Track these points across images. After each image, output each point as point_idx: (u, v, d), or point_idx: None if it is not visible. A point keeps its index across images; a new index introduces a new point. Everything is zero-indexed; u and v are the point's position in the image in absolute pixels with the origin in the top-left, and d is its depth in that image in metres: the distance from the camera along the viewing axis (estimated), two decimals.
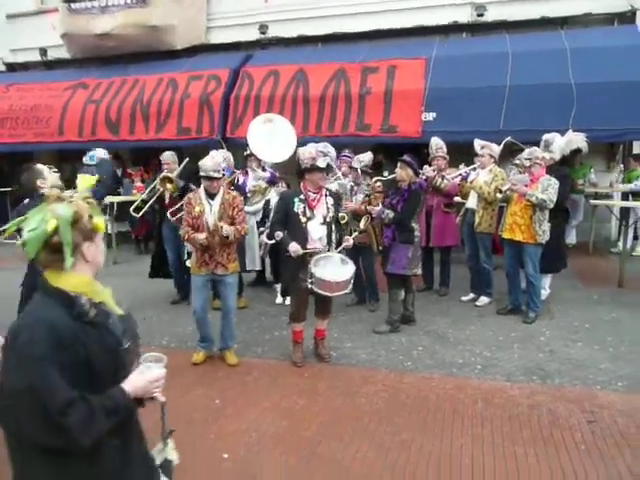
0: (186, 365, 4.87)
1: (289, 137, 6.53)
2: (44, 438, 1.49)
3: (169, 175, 6.21)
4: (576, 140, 6.28)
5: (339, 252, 4.72)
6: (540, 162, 5.57)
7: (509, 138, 6.64)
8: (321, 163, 4.64)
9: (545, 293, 6.30)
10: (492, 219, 6.10)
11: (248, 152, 6.79)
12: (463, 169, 6.43)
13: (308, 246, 4.63)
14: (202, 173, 4.65)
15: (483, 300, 6.36)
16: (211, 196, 4.70)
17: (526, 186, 5.48)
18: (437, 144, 6.58)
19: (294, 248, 4.55)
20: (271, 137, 6.43)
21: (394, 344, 5.24)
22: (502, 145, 6.50)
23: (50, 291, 1.61)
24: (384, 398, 4.10)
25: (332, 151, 5.15)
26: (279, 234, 4.66)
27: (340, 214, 4.88)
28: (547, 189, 5.41)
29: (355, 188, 6.18)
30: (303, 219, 4.63)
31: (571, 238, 9.01)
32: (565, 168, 6.59)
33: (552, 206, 5.42)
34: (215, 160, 4.71)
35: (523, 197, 5.50)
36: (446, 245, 6.73)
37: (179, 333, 5.59)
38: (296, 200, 4.67)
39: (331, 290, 4.58)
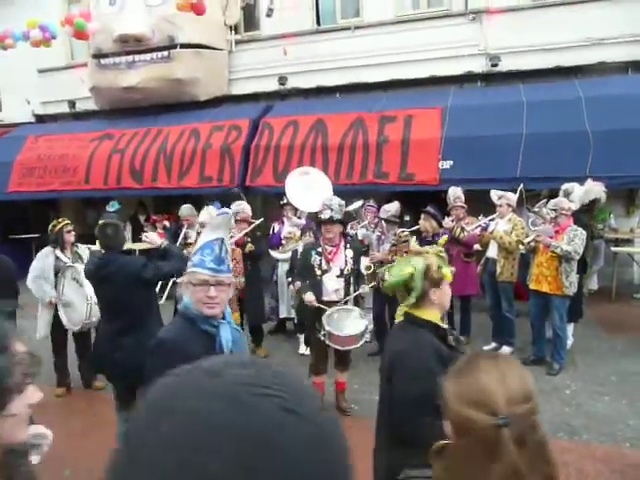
0: None
1: (325, 187, 6.73)
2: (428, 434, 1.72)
3: (190, 240, 6.32)
4: (595, 190, 6.30)
5: (354, 300, 4.75)
6: (567, 213, 5.57)
7: (522, 185, 6.71)
8: (324, 215, 4.73)
9: (569, 342, 6.22)
10: (514, 268, 6.10)
11: (285, 201, 6.97)
12: (482, 220, 6.46)
13: (323, 298, 4.69)
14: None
15: (505, 350, 6.28)
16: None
17: (551, 237, 5.48)
18: (455, 194, 6.64)
19: (309, 298, 4.63)
20: (307, 187, 6.65)
21: None
22: (517, 193, 6.56)
23: (419, 321, 2.27)
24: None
25: (335, 203, 5.11)
26: (297, 284, 4.75)
27: (366, 264, 4.95)
28: (573, 240, 5.39)
29: (382, 237, 6.25)
30: (318, 272, 4.71)
31: (593, 284, 8.92)
32: (583, 217, 6.60)
33: (578, 257, 5.40)
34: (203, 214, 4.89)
35: (548, 248, 5.49)
36: (466, 294, 6.72)
37: None
38: (313, 253, 4.76)
39: (342, 344, 4.58)
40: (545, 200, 6.69)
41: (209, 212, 5.83)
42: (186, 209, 6.86)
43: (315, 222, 5.56)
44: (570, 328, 6.31)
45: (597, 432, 4.33)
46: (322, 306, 4.61)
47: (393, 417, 2.22)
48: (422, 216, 5.54)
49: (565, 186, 6.21)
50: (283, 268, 6.95)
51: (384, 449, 2.31)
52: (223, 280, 2.24)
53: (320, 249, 4.76)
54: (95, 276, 3.72)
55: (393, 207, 6.30)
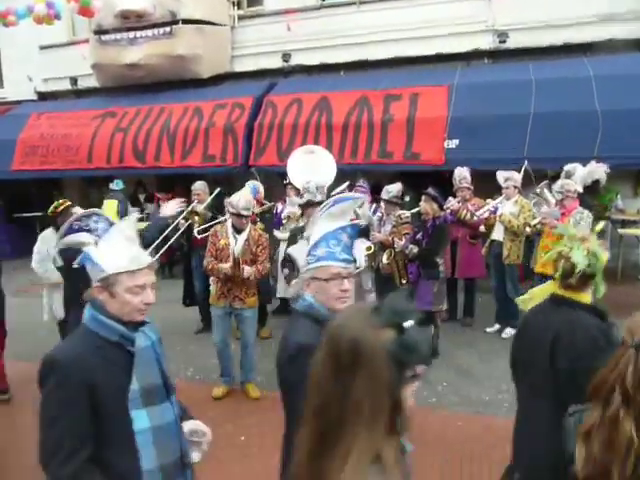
0: (209, 399, 4.91)
1: (329, 167, 6.65)
2: None
3: (196, 209, 6.31)
4: (597, 171, 6.21)
5: None
6: (573, 195, 5.51)
7: (526, 163, 6.62)
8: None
9: None
10: (520, 250, 6.06)
11: (287, 181, 6.92)
12: (491, 203, 6.39)
13: None
14: (232, 210, 4.75)
15: (509, 332, 6.27)
16: (238, 231, 4.80)
17: (557, 220, 5.42)
18: (461, 175, 6.56)
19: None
20: (312, 167, 6.56)
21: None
22: (522, 172, 6.48)
23: (582, 305, 2.31)
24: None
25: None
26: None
27: (367, 244, 4.92)
28: (579, 222, 5.34)
29: (384, 218, 6.20)
30: None
31: None
32: (588, 199, 6.55)
33: None
34: (246, 198, 4.82)
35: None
36: (471, 276, 6.69)
37: (203, 365, 5.63)
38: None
39: None
40: (546, 182, 6.62)
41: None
42: (200, 184, 6.89)
43: (299, 207, 5.56)
44: None
45: None
46: None
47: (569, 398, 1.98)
48: (422, 198, 5.47)
49: (567, 167, 6.12)
50: (283, 248, 6.94)
51: (546, 434, 2.23)
52: (352, 271, 2.07)
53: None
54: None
55: (395, 188, 6.22)
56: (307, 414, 1.23)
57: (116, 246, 1.86)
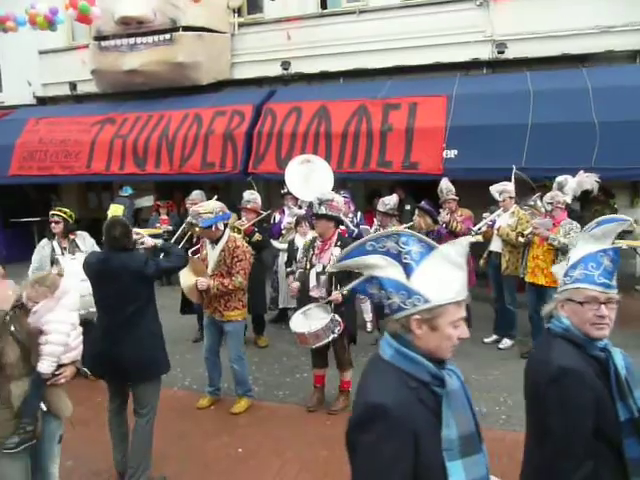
0: (206, 410, 4.89)
1: (326, 177, 6.66)
2: None
3: (193, 222, 6.30)
4: (587, 181, 6.26)
5: (327, 304, 4.61)
6: (561, 206, 5.60)
7: (515, 170, 6.67)
8: (313, 209, 4.81)
9: None
10: (518, 261, 6.08)
11: (285, 191, 6.94)
12: (488, 217, 6.40)
13: (310, 293, 4.70)
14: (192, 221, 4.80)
15: (506, 342, 6.29)
16: (215, 241, 4.71)
17: (548, 230, 5.47)
18: (447, 187, 6.60)
19: (292, 286, 4.87)
20: (309, 176, 6.59)
21: None
22: (512, 180, 6.52)
23: None
24: None
25: (325, 198, 4.95)
26: (291, 278, 4.87)
27: None
28: (569, 233, 5.39)
29: (380, 230, 6.22)
30: (308, 265, 4.74)
31: None
32: (576, 210, 6.63)
33: None
34: (206, 209, 4.70)
35: (545, 241, 5.49)
36: None
37: (200, 375, 5.61)
38: (311, 247, 4.80)
39: (306, 342, 4.58)
40: (539, 194, 6.66)
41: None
42: (196, 193, 6.90)
43: (310, 216, 5.57)
44: None
45: None
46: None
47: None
48: (416, 212, 5.48)
49: (559, 179, 6.20)
50: (283, 258, 6.95)
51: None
52: (613, 297, 1.93)
53: (316, 243, 4.78)
54: (96, 271, 3.70)
55: (391, 200, 6.25)
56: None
57: (441, 273, 1.61)
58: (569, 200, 6.00)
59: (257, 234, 6.23)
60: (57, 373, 3.10)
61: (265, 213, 6.67)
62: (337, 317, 4.52)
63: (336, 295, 4.52)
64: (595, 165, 7.21)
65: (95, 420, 4.62)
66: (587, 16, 8.70)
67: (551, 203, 5.64)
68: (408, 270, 1.61)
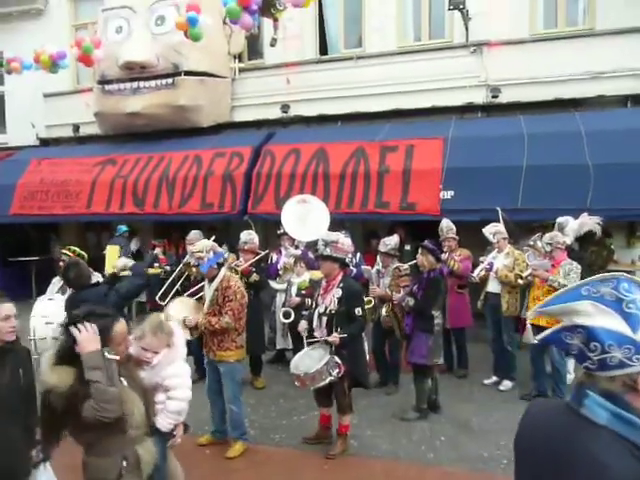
0: (201, 453, 4.79)
1: (323, 217, 6.70)
2: None
3: (190, 262, 6.32)
4: (589, 223, 6.32)
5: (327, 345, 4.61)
6: (561, 247, 5.62)
7: (500, 211, 6.80)
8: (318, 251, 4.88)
9: (570, 377, 6.15)
10: (517, 302, 6.09)
11: (282, 231, 6.98)
12: (485, 261, 6.42)
13: (315, 334, 4.69)
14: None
15: (506, 384, 6.22)
16: (210, 280, 4.74)
17: (547, 271, 5.49)
18: (448, 226, 6.69)
19: (300, 327, 4.84)
20: (305, 217, 6.62)
21: (416, 432, 5.11)
22: (501, 221, 6.60)
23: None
24: None
25: (330, 239, 4.97)
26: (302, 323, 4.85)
27: (367, 298, 4.95)
28: (569, 274, 5.40)
29: (382, 272, 6.23)
30: (313, 305, 4.74)
31: None
32: (577, 251, 6.66)
33: None
34: (192, 248, 4.83)
35: (545, 282, 5.49)
36: (460, 326, 6.69)
37: (196, 417, 5.50)
38: (319, 286, 4.82)
39: (303, 384, 4.57)
40: (540, 234, 6.71)
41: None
42: (194, 234, 6.94)
43: (307, 256, 5.63)
44: (570, 363, 6.24)
45: None
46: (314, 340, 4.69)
47: None
48: (419, 251, 5.51)
49: (559, 220, 6.26)
50: (280, 299, 6.95)
51: None
52: None
53: (323, 283, 4.80)
54: (66, 313, 3.73)
55: (392, 240, 6.29)
56: None
57: None
58: (569, 241, 6.01)
59: (255, 274, 6.24)
60: (174, 433, 2.84)
61: (263, 253, 6.70)
62: (336, 359, 4.47)
63: (334, 337, 4.48)
64: (590, 206, 7.28)
65: None
66: (579, 62, 8.95)
67: (550, 244, 5.67)
68: (632, 321, 1.36)
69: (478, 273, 6.32)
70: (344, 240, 4.78)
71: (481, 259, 6.53)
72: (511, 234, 6.60)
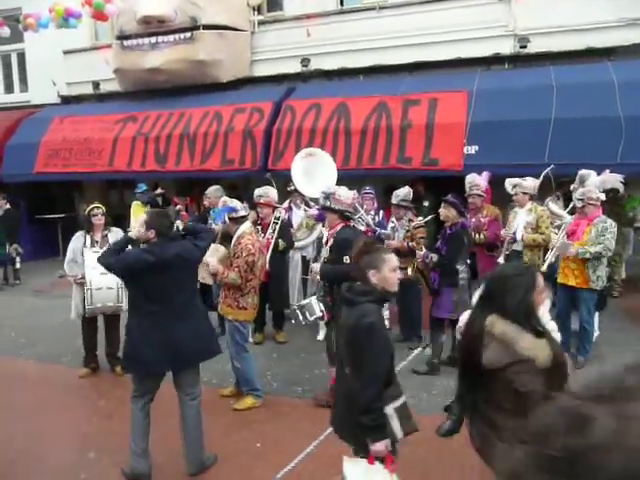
0: (226, 405, 4.92)
1: (330, 171, 6.57)
2: None
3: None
4: (611, 181, 6.05)
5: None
6: (595, 202, 5.38)
7: (549, 170, 6.47)
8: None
9: (596, 334, 6.09)
10: (540, 259, 5.93)
11: (292, 188, 6.91)
12: (508, 235, 6.16)
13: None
14: None
15: None
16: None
17: (570, 246, 5.29)
18: (472, 181, 6.40)
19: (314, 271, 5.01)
20: (313, 172, 6.50)
21: (435, 387, 5.16)
22: (541, 177, 6.35)
23: None
24: (428, 449, 4.03)
25: (329, 190, 4.93)
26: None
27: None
28: (603, 234, 5.21)
29: (396, 225, 6.18)
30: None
31: (621, 273, 8.73)
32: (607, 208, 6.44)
33: (610, 254, 5.24)
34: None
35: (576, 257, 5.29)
36: None
37: (219, 370, 5.64)
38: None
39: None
40: (555, 196, 6.51)
41: None
42: (212, 190, 6.96)
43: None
44: (596, 320, 6.18)
45: None
46: None
47: None
48: (442, 204, 5.42)
49: (581, 172, 5.96)
50: (294, 257, 6.96)
51: None
52: None
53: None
54: (157, 265, 3.64)
55: (402, 192, 6.20)
56: None
57: None
58: (603, 197, 5.73)
59: (280, 242, 6.25)
60: None
61: (280, 207, 6.67)
62: (318, 304, 4.72)
63: (314, 272, 4.91)
64: (621, 161, 7.08)
65: (118, 413, 4.70)
66: (612, 9, 8.52)
67: (582, 199, 5.43)
68: None
69: (505, 249, 6.06)
70: (342, 192, 4.74)
71: (502, 232, 6.20)
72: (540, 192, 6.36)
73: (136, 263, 3.67)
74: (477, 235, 6.14)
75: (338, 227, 4.69)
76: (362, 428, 2.64)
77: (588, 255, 5.17)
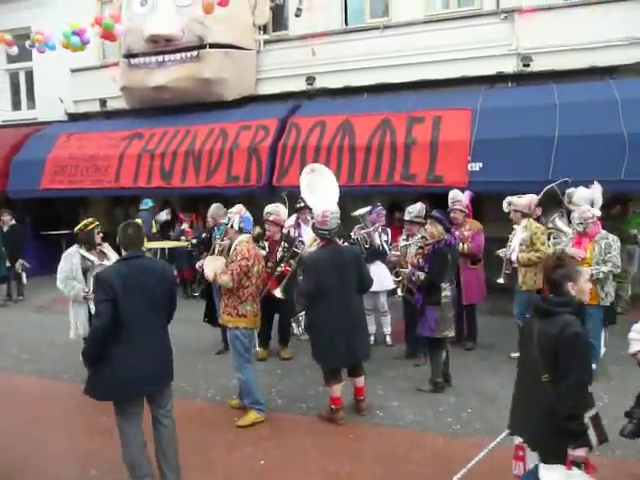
0: (229, 421, 4.87)
1: (330, 184, 6.57)
2: None
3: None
4: (592, 193, 6.03)
5: None
6: (592, 220, 5.39)
7: (550, 187, 6.48)
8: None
9: (602, 351, 6.03)
10: (536, 275, 5.88)
11: (301, 204, 6.92)
12: (503, 253, 6.26)
13: None
14: None
15: None
16: None
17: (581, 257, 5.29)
18: (454, 197, 6.47)
19: None
20: (313, 186, 6.50)
21: (442, 404, 5.11)
22: (541, 194, 6.37)
23: None
24: (434, 467, 3.98)
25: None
26: None
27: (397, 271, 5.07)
28: (609, 251, 5.22)
29: (409, 242, 6.17)
30: None
31: (627, 289, 8.68)
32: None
33: (619, 270, 5.26)
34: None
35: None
36: (472, 302, 6.62)
37: (224, 386, 5.60)
38: None
39: None
40: (558, 214, 6.51)
41: None
42: (213, 208, 6.93)
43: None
44: (602, 336, 6.12)
45: (633, 449, 4.18)
46: None
47: None
48: (428, 221, 5.42)
49: (568, 191, 6.05)
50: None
51: None
52: None
53: None
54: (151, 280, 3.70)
55: (415, 208, 6.19)
56: None
57: None
58: (598, 213, 5.77)
59: (292, 262, 6.26)
60: None
61: (286, 226, 6.68)
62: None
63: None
64: (625, 177, 7.09)
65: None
66: (615, 27, 8.57)
67: (581, 223, 5.45)
68: None
69: (505, 271, 6.16)
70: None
71: (500, 252, 6.32)
72: (546, 208, 6.36)
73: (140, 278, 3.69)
74: (461, 245, 6.18)
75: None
76: (566, 434, 2.74)
77: (601, 275, 5.19)
